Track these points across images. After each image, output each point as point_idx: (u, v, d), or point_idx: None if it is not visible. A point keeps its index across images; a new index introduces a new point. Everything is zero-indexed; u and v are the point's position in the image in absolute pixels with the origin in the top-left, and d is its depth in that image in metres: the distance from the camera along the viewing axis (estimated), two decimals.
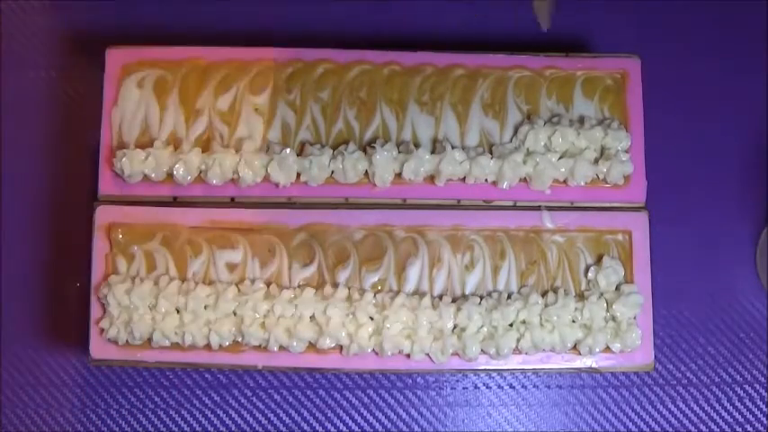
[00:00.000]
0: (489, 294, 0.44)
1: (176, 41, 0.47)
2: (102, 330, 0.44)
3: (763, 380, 0.51)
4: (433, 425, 0.50)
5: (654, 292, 0.45)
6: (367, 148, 0.45)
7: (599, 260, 0.45)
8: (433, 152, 0.44)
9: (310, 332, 0.43)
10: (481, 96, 0.46)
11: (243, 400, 0.50)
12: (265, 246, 0.45)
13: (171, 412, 0.50)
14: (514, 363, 0.44)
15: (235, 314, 0.43)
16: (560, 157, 0.45)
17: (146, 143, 0.45)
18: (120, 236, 0.44)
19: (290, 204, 0.45)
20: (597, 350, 0.43)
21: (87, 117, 0.48)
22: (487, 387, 0.51)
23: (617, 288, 0.44)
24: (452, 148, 0.44)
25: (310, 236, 0.45)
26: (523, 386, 0.51)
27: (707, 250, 0.52)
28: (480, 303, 0.43)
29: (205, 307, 0.43)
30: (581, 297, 0.44)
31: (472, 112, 0.46)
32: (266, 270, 0.45)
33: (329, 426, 0.50)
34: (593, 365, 0.44)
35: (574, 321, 0.44)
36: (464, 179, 0.45)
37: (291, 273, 0.45)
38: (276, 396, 0.50)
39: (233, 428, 0.50)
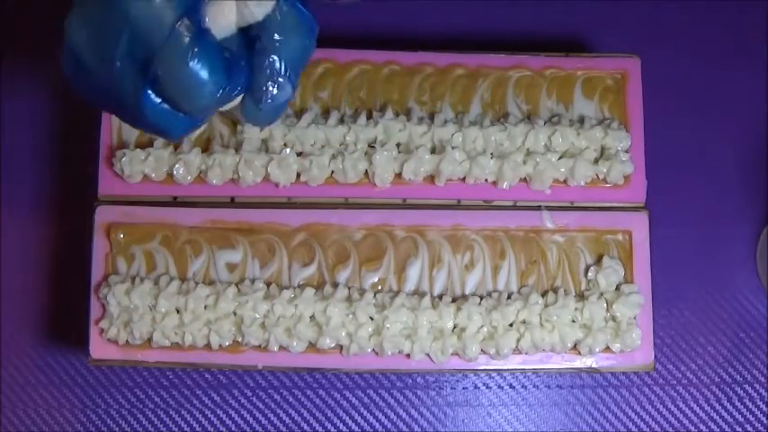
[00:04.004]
0: (489, 294, 0.44)
1: None
2: (102, 330, 0.44)
3: (763, 380, 0.51)
4: (433, 425, 0.50)
5: (654, 292, 0.45)
6: (367, 148, 0.45)
7: (599, 260, 0.45)
8: (433, 152, 0.44)
9: (310, 332, 0.43)
10: (481, 96, 0.46)
11: (243, 400, 0.50)
12: (265, 246, 0.45)
13: (171, 412, 0.50)
14: (514, 363, 0.44)
15: (235, 314, 0.43)
16: (560, 157, 0.45)
17: (146, 143, 0.45)
18: (120, 236, 0.44)
19: (290, 204, 0.45)
20: (597, 350, 0.43)
21: (87, 117, 0.48)
22: (487, 387, 0.51)
23: (617, 288, 0.44)
24: (452, 148, 0.44)
25: (310, 236, 0.45)
26: (523, 386, 0.51)
27: (707, 250, 0.52)
28: (480, 303, 0.43)
29: (205, 307, 0.43)
30: (581, 297, 0.44)
31: (472, 111, 0.46)
32: (266, 270, 0.45)
33: (329, 426, 0.50)
34: (593, 365, 0.44)
35: (574, 321, 0.44)
36: (464, 179, 0.45)
37: (291, 273, 0.45)
38: (276, 396, 0.50)
39: (233, 428, 0.50)
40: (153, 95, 0.32)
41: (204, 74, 0.31)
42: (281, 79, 0.34)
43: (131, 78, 0.31)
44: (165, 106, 0.32)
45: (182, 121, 0.33)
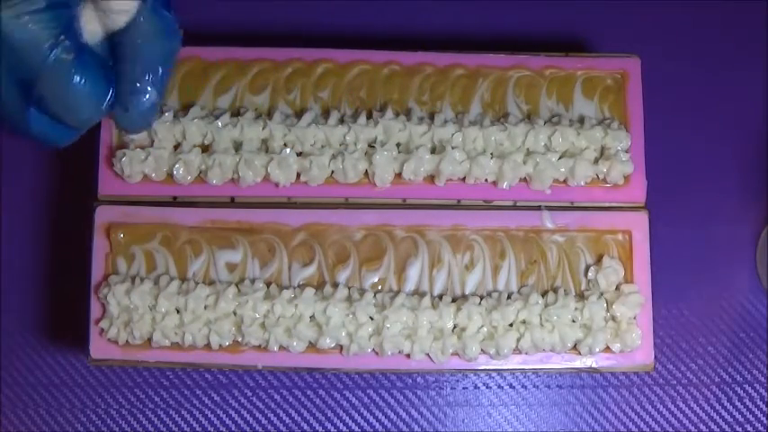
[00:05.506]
0: (489, 294, 0.44)
1: None
2: (102, 330, 0.44)
3: (763, 380, 0.51)
4: (433, 425, 0.50)
5: (654, 293, 0.45)
6: (367, 148, 0.45)
7: (599, 260, 0.45)
8: (433, 152, 0.44)
9: (310, 332, 0.43)
10: (481, 96, 0.46)
11: (243, 400, 0.50)
12: (265, 246, 0.45)
13: (171, 412, 0.50)
14: (514, 363, 0.44)
15: (235, 314, 0.43)
16: (560, 157, 0.45)
17: (146, 143, 0.45)
18: (121, 236, 0.44)
19: (290, 204, 0.45)
20: (597, 350, 0.43)
21: None
22: (487, 387, 0.51)
23: (617, 288, 0.44)
24: (452, 148, 0.44)
25: (310, 236, 0.45)
26: (523, 386, 0.51)
27: (707, 250, 0.52)
28: (480, 303, 0.43)
29: (205, 307, 0.43)
30: (581, 297, 0.44)
31: (472, 112, 0.46)
32: (266, 270, 0.45)
33: (329, 426, 0.50)
34: (593, 365, 0.44)
35: (574, 321, 0.44)
36: (464, 179, 0.45)
37: (291, 273, 0.45)
38: (276, 396, 0.50)
39: (233, 428, 0.50)
40: (38, 112, 0.32)
41: (87, 90, 0.31)
42: (144, 85, 0.34)
43: (15, 100, 0.31)
44: (50, 119, 0.33)
45: (67, 131, 0.34)
